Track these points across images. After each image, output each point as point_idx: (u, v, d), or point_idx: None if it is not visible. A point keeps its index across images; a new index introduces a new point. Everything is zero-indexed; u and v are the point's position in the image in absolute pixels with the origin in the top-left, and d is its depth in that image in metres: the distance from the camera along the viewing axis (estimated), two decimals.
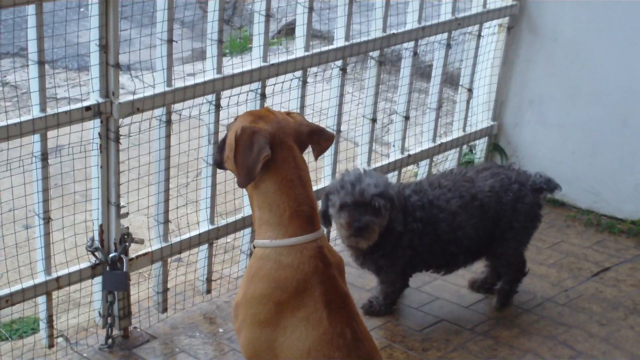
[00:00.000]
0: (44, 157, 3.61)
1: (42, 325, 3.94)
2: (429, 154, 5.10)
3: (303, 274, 2.87)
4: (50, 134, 3.60)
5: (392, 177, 4.99)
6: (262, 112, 3.02)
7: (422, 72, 6.22)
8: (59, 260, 3.90)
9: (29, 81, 3.51)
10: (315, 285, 2.88)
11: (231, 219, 4.30)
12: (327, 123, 4.57)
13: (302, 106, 4.35)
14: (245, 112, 3.06)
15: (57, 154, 3.76)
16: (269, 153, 2.85)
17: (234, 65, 4.10)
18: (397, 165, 4.94)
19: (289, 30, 7.25)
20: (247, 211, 4.33)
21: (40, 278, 3.80)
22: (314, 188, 4.56)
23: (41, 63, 3.44)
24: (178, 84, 3.85)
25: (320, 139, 3.02)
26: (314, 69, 4.41)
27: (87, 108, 3.62)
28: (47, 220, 3.72)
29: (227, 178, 4.35)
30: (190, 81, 3.89)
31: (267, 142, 2.85)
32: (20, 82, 6.32)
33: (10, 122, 3.45)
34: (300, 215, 2.89)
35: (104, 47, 3.55)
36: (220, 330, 4.20)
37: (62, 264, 3.91)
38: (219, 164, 3.13)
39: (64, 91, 5.68)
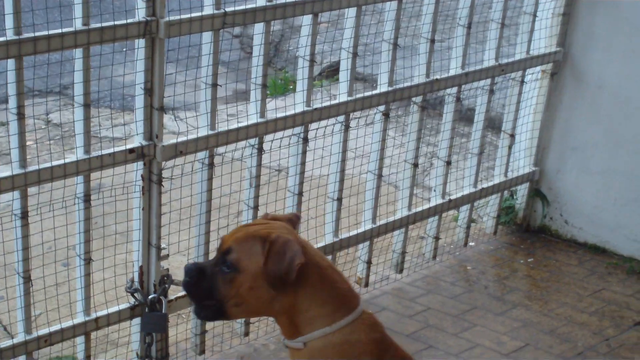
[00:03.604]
0: (87, 198, 3.63)
1: None
2: (470, 199, 5.08)
3: (375, 343, 2.79)
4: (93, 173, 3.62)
5: (432, 221, 4.97)
6: (267, 225, 2.85)
7: (463, 116, 6.20)
8: (98, 300, 3.91)
9: (74, 123, 3.54)
10: (387, 350, 2.83)
11: None
12: (369, 167, 4.57)
13: (344, 150, 4.35)
14: (242, 227, 2.90)
15: (99, 194, 3.76)
16: (303, 260, 2.72)
17: (276, 108, 4.11)
18: (438, 210, 4.92)
19: (329, 72, 7.26)
20: None
21: (80, 318, 3.80)
22: (355, 233, 4.58)
23: (86, 106, 3.47)
24: (222, 126, 3.86)
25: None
26: (356, 113, 4.41)
27: (131, 150, 3.64)
28: (87, 261, 3.73)
29: None
30: (233, 125, 3.90)
31: (300, 250, 2.72)
32: (62, 120, 6.37)
33: (54, 163, 3.47)
34: (345, 293, 2.81)
35: (148, 91, 3.58)
36: None
37: (101, 305, 3.92)
38: (220, 307, 2.82)
39: (106, 130, 5.73)
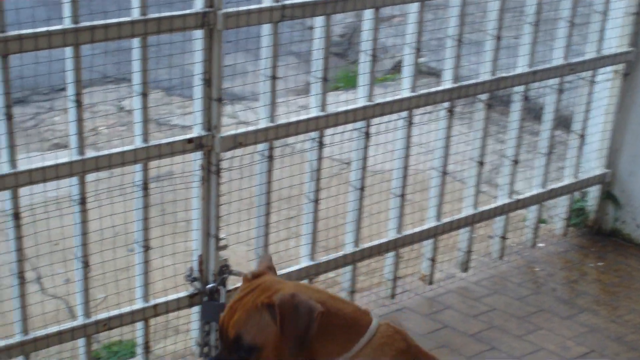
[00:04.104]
0: (145, 186, 3.69)
1: (139, 351, 4.01)
2: (538, 199, 5.00)
3: (401, 355, 2.61)
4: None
5: (499, 220, 4.92)
6: (257, 288, 2.62)
7: (537, 114, 6.11)
8: (158, 287, 3.95)
9: (134, 112, 3.59)
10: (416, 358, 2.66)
11: (332, 256, 4.30)
12: (434, 164, 4.54)
13: (408, 146, 4.33)
14: (234, 304, 2.62)
15: (162, 181, 3.81)
16: (321, 308, 2.52)
17: (345, 100, 4.11)
18: (505, 210, 4.86)
19: (400, 67, 7.24)
20: (348, 248, 4.34)
21: (139, 304, 3.87)
22: (419, 229, 4.56)
23: (144, 95, 3.52)
24: (284, 119, 3.88)
25: None
26: (422, 109, 4.37)
27: (189, 140, 3.68)
28: (146, 248, 3.79)
29: (328, 215, 4.36)
30: (293, 117, 3.92)
31: (310, 299, 2.52)
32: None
33: (113, 151, 3.54)
34: (354, 315, 2.62)
35: (207, 81, 3.62)
36: None
37: (161, 292, 3.96)
38: None
39: (176, 118, 5.82)
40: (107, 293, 4.00)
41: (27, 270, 3.57)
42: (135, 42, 3.42)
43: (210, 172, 3.77)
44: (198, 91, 3.65)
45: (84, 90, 3.39)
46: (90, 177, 3.57)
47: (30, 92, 6.32)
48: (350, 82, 6.96)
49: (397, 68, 7.27)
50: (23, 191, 3.43)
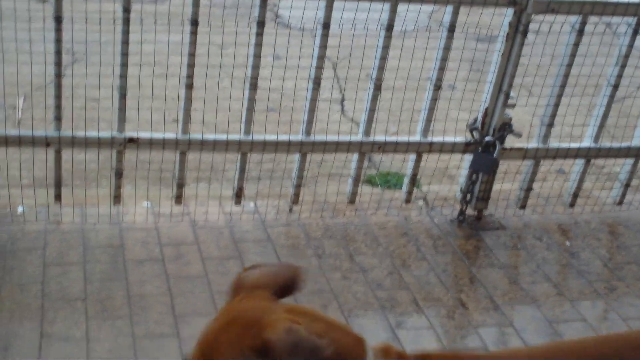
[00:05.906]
0: (451, 28, 3.79)
1: (405, 180, 4.20)
2: None
3: None
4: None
5: None
6: (245, 317, 1.84)
7: None
8: (439, 127, 4.07)
9: None
10: None
11: (616, 145, 4.27)
12: None
13: None
14: (211, 336, 1.79)
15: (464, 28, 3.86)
16: (331, 346, 1.76)
17: None
18: None
19: None
20: (635, 142, 4.28)
21: (416, 138, 4.04)
22: None
23: None
24: None
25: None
26: None
27: None
28: (437, 87, 3.92)
29: (624, 104, 4.30)
30: None
31: (314, 336, 1.74)
32: None
33: None
34: (355, 340, 1.87)
35: None
36: (567, 243, 4.22)
37: (440, 132, 4.09)
38: None
39: None
40: (398, 127, 4.16)
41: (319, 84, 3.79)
42: None
43: (517, 31, 3.81)
44: None
45: None
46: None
47: None
48: None
49: None
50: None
